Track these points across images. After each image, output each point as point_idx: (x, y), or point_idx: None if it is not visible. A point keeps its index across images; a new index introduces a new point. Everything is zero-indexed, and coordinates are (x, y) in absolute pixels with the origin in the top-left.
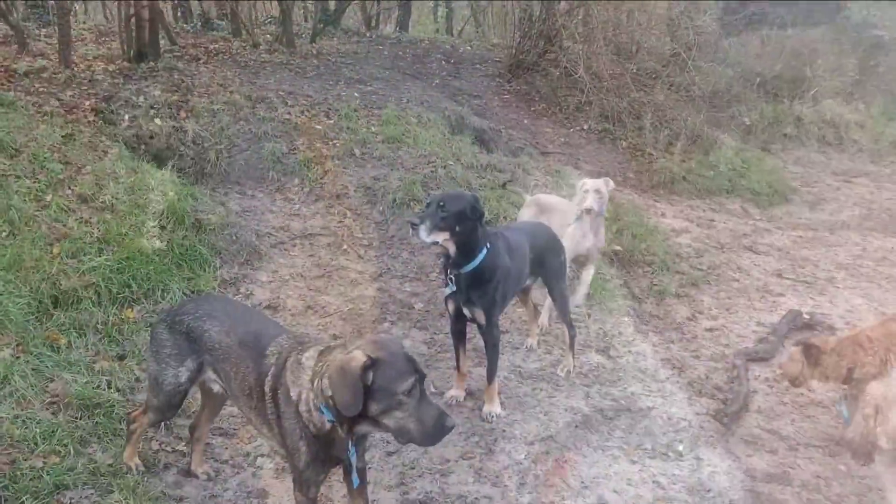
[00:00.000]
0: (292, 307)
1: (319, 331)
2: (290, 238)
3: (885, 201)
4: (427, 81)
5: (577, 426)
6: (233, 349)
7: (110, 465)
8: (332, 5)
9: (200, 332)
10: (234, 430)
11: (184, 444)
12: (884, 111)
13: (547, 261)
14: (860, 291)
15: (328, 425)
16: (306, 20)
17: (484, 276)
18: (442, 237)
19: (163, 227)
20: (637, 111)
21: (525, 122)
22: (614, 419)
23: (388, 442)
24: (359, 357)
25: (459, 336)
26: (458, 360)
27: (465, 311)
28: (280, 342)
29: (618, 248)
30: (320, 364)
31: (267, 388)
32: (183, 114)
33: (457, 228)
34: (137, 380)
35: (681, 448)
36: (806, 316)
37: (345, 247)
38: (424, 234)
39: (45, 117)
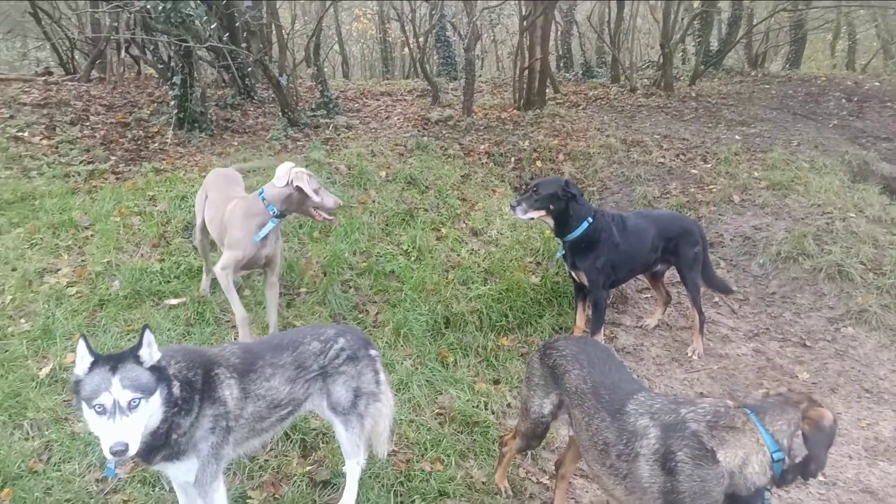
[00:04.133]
0: (656, 356)
1: (684, 386)
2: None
3: None
4: (822, 122)
5: None
6: (587, 397)
7: (484, 483)
8: (714, 45)
9: (563, 371)
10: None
11: (547, 477)
12: None
13: (680, 250)
14: None
15: (766, 482)
16: (683, 62)
17: (583, 244)
18: (538, 215)
19: (538, 264)
20: None
21: None
22: None
23: None
24: (831, 416)
25: (578, 294)
26: (575, 314)
27: (573, 274)
28: (643, 401)
29: None
30: (780, 423)
31: (645, 451)
32: (561, 157)
33: (551, 207)
34: (508, 405)
35: None
36: None
37: (716, 299)
38: (521, 213)
39: (449, 159)
